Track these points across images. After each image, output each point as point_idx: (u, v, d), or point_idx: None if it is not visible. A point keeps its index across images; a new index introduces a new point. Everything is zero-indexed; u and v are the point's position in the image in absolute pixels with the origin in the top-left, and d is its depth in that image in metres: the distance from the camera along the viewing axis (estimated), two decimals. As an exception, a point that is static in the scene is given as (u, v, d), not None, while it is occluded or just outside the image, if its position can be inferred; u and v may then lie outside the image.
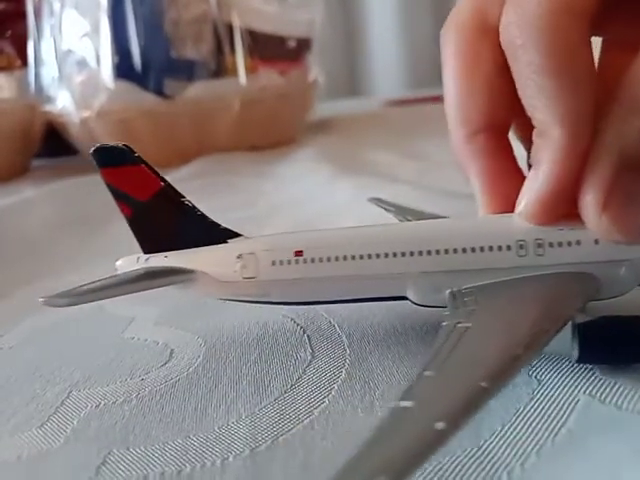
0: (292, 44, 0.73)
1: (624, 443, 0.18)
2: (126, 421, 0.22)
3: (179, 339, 0.27)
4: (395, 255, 0.23)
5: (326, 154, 0.64)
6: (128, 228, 0.47)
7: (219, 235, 0.26)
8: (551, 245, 0.22)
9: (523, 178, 0.23)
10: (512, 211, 0.23)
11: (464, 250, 0.23)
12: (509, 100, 0.24)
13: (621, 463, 0.17)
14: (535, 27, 0.21)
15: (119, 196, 0.26)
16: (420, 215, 0.32)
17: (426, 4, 1.34)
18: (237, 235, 0.26)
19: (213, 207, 0.49)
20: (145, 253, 0.27)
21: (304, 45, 0.74)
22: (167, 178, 0.64)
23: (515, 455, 0.18)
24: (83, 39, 0.66)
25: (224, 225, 0.26)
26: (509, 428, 0.19)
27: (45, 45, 0.68)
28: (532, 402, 0.20)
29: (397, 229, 0.26)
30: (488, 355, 0.18)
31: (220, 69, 0.67)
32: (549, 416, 0.19)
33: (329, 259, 0.24)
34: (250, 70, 0.68)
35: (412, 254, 0.23)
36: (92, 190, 0.59)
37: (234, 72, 0.68)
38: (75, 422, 0.22)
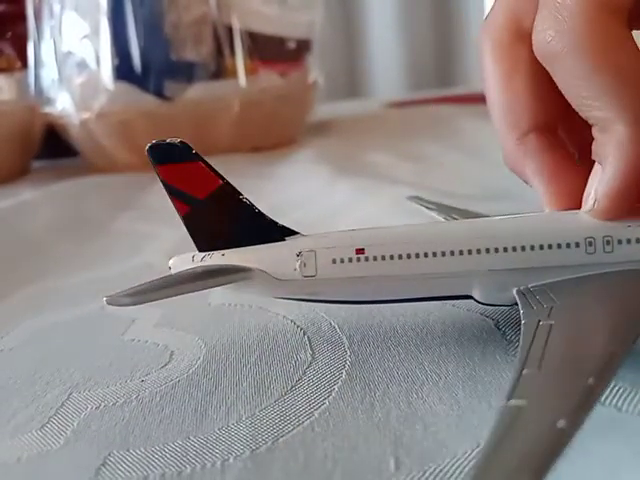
0: (292, 45, 0.73)
1: (624, 445, 0.18)
2: (126, 422, 0.22)
3: (179, 341, 0.27)
4: (462, 253, 0.23)
5: (326, 155, 0.64)
6: (128, 229, 0.47)
7: (276, 233, 0.25)
8: (619, 242, 0.22)
9: (582, 171, 0.24)
10: (578, 206, 0.23)
11: (532, 247, 0.23)
12: (554, 99, 0.24)
13: (621, 465, 0.17)
14: (575, 30, 0.21)
15: (175, 194, 0.25)
16: (466, 214, 0.32)
17: (426, 5, 1.34)
18: (294, 233, 0.25)
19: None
20: (200, 251, 0.26)
21: (304, 46, 0.74)
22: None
23: (515, 457, 0.18)
24: (83, 41, 0.66)
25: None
26: (509, 429, 0.19)
27: (45, 47, 0.68)
28: (532, 403, 0.20)
29: (462, 226, 0.25)
30: (585, 352, 0.18)
31: (220, 71, 0.67)
32: (549, 417, 0.19)
33: (392, 257, 0.24)
34: (250, 71, 0.68)
35: (479, 252, 0.23)
36: (92, 191, 0.59)
37: (234, 74, 0.68)
38: (75, 423, 0.22)
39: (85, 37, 0.66)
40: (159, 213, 0.51)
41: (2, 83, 0.69)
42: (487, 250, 0.23)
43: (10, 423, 0.23)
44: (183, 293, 0.25)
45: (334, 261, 0.24)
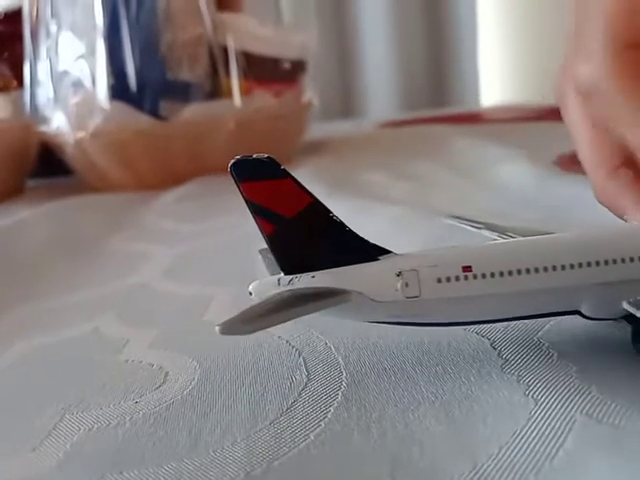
0: (287, 66, 0.73)
1: (622, 463, 0.18)
2: (119, 445, 0.21)
3: (174, 362, 0.27)
4: (572, 267, 0.23)
5: (320, 175, 0.64)
6: (122, 249, 0.47)
7: (369, 252, 0.24)
8: None
9: None
10: None
11: None
12: None
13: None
14: (604, 70, 0.23)
15: (260, 213, 0.23)
16: (522, 231, 0.30)
17: (420, 27, 1.36)
18: (387, 252, 0.24)
19: (207, 228, 0.49)
20: (286, 273, 0.24)
21: (298, 67, 0.75)
22: (161, 199, 0.64)
23: (513, 479, 0.18)
24: (79, 60, 0.66)
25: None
26: (506, 451, 0.19)
27: (41, 66, 0.69)
28: (529, 423, 0.20)
29: (564, 240, 0.25)
30: None
31: (215, 91, 0.68)
32: (546, 437, 0.19)
33: (502, 274, 0.23)
34: (245, 92, 0.69)
35: (589, 264, 0.23)
36: (87, 211, 0.59)
37: (229, 94, 0.68)
38: (68, 446, 0.22)
39: (81, 57, 0.66)
40: (154, 233, 0.51)
41: (-1, 102, 0.69)
42: (597, 262, 0.23)
43: (2, 445, 0.22)
44: (290, 319, 0.23)
45: (439, 280, 0.23)
